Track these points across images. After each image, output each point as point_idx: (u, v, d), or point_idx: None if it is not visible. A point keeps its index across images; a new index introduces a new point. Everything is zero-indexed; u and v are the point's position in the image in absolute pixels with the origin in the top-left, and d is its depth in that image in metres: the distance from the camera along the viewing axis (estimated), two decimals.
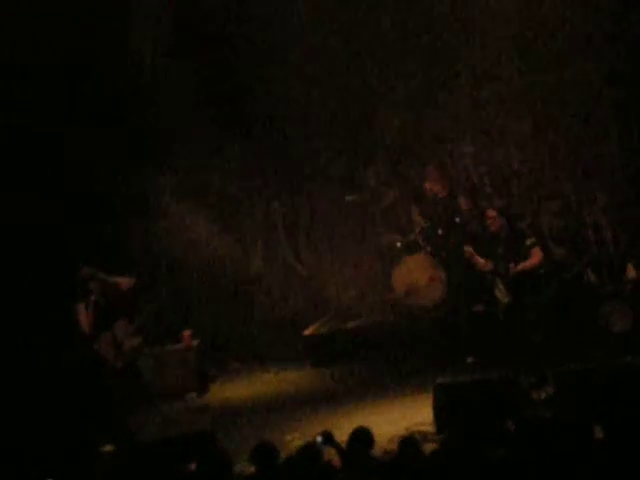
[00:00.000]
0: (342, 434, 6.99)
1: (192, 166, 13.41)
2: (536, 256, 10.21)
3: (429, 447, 6.12)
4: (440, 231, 12.11)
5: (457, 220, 12.00)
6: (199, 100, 13.27)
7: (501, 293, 10.25)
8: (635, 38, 12.08)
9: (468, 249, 10.41)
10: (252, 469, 6.48)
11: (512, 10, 12.56)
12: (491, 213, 10.36)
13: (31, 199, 12.03)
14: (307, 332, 12.62)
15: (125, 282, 9.79)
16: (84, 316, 9.60)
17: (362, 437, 6.42)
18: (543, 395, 8.77)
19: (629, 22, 12.09)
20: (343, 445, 6.53)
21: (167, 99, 13.27)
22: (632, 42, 12.08)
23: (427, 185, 12.39)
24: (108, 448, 9.35)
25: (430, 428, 8.49)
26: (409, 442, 6.03)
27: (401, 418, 9.08)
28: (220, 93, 13.46)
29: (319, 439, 6.71)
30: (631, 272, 10.88)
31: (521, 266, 10.14)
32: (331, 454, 6.65)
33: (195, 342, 12.11)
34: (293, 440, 8.83)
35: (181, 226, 13.33)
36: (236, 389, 11.96)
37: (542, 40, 12.51)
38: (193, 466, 6.54)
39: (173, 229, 13.27)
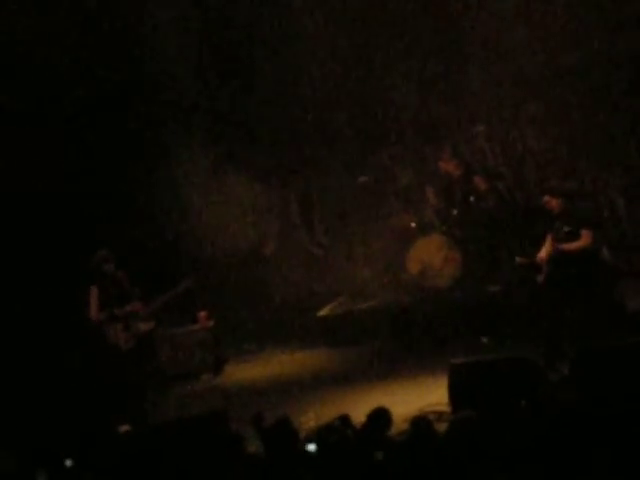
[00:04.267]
0: (357, 415, 7.01)
1: (207, 148, 13.44)
2: (585, 238, 9.58)
3: (444, 427, 6.09)
4: (455, 211, 12.10)
5: (472, 199, 11.98)
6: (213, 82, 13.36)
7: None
8: None
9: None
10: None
11: None
12: (545, 198, 9.92)
13: (48, 178, 12.12)
14: (321, 313, 12.63)
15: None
16: (93, 301, 9.61)
17: (380, 417, 6.43)
18: (558, 375, 8.76)
19: None
20: (360, 426, 6.54)
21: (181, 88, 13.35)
22: None
23: (441, 165, 12.37)
24: (124, 429, 9.40)
25: (445, 408, 8.48)
26: (421, 422, 6.03)
27: (416, 398, 9.07)
28: (234, 75, 13.50)
29: (337, 423, 6.72)
30: None
31: (567, 246, 9.55)
32: None
33: (211, 323, 12.14)
34: (308, 421, 8.84)
35: (196, 208, 13.36)
36: (251, 370, 11.99)
37: (558, 19, 12.43)
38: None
39: (187, 211, 13.31)
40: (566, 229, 9.64)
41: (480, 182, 12.10)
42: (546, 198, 9.80)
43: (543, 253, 9.81)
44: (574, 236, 9.65)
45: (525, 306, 10.67)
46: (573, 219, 9.77)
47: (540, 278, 9.73)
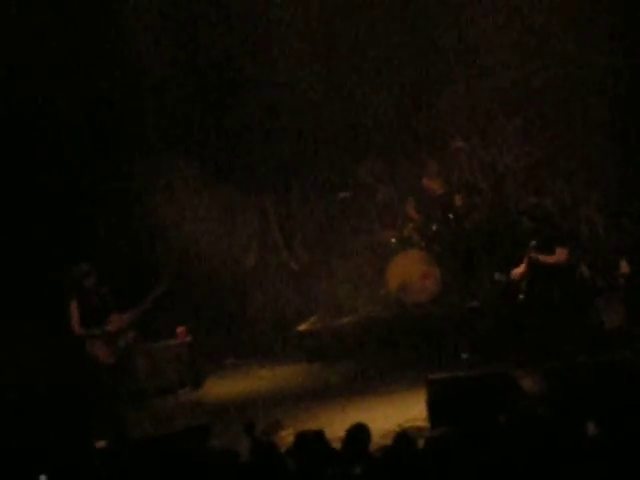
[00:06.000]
0: (336, 430, 7.01)
1: (187, 162, 13.44)
2: (560, 255, 9.84)
3: (423, 442, 6.11)
4: (434, 227, 12.15)
5: (451, 216, 12.04)
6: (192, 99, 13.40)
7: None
8: (630, 36, 12.13)
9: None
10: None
11: (506, 8, 12.60)
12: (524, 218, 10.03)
13: (22, 193, 12.10)
14: (301, 328, 12.63)
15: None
16: (74, 315, 9.57)
17: (360, 433, 6.42)
18: (536, 391, 8.80)
19: (626, 19, 12.14)
20: (339, 441, 6.54)
21: (163, 99, 13.37)
22: (628, 40, 12.12)
23: (425, 182, 12.42)
24: (101, 444, 9.35)
25: (424, 423, 8.50)
26: (404, 438, 6.04)
27: (395, 413, 9.09)
28: (212, 89, 13.53)
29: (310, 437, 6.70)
30: (624, 268, 10.91)
31: (542, 257, 9.78)
32: None
33: (189, 338, 12.11)
34: (287, 436, 8.83)
35: (175, 221, 13.34)
36: (230, 384, 11.96)
37: (534, 37, 12.55)
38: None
39: (167, 225, 13.28)
40: (540, 245, 9.74)
41: (458, 199, 12.17)
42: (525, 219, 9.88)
43: (519, 269, 9.89)
44: (548, 253, 9.76)
45: (504, 322, 10.73)
46: (547, 237, 9.86)
47: (518, 295, 9.81)
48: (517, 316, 10.24)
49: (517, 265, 10.01)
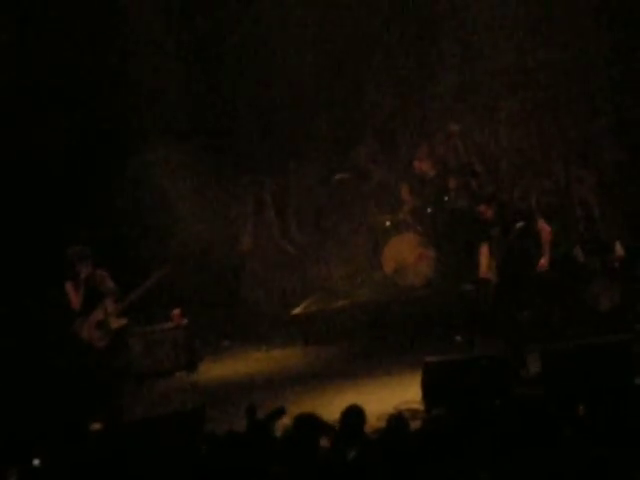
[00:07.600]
0: (331, 412, 7.02)
1: (182, 143, 13.40)
2: (545, 230, 9.56)
3: (418, 425, 6.12)
4: (429, 210, 12.15)
5: (445, 199, 12.05)
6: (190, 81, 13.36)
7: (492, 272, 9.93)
8: (626, 20, 12.11)
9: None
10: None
11: None
12: (481, 208, 9.80)
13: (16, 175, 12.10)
14: (296, 311, 12.64)
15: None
16: (72, 295, 9.57)
17: (355, 415, 6.44)
18: (531, 373, 8.82)
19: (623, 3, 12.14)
20: (335, 423, 6.55)
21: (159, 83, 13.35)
22: (624, 24, 12.11)
23: (416, 163, 12.41)
24: (96, 426, 9.35)
25: (419, 406, 8.52)
26: (398, 420, 6.06)
27: (390, 396, 9.11)
28: (208, 71, 13.50)
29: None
30: (619, 250, 10.92)
31: (545, 258, 9.45)
32: None
33: (184, 321, 12.11)
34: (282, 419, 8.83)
35: (170, 204, 13.32)
36: (226, 367, 11.98)
37: (532, 19, 12.52)
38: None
39: (162, 206, 13.26)
40: (518, 225, 9.54)
41: (451, 181, 12.17)
42: (482, 208, 9.63)
43: (484, 268, 9.66)
44: (527, 232, 9.59)
45: (489, 307, 10.73)
46: (517, 216, 9.66)
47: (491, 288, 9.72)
48: (513, 299, 10.22)
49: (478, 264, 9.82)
